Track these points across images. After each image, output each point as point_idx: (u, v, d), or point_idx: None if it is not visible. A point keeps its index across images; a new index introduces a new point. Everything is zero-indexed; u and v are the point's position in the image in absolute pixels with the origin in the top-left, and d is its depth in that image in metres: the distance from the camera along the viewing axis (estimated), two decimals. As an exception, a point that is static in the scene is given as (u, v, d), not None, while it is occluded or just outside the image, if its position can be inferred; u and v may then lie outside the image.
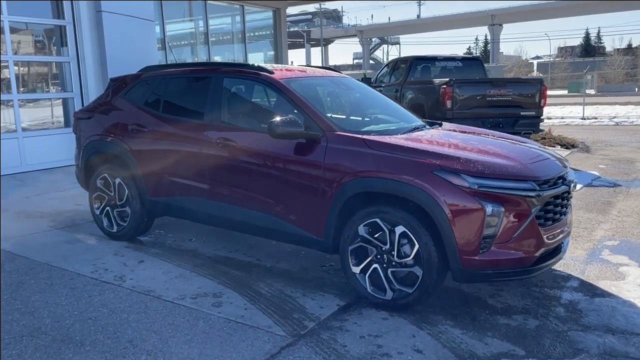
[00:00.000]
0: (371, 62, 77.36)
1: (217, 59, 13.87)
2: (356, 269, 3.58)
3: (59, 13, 9.05)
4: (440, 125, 4.56)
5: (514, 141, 4.13)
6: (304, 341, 3.11)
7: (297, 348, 3.03)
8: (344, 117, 4.53)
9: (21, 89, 9.06)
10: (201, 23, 13.33)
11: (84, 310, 3.53)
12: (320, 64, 46.12)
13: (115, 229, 5.02)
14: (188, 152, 4.44)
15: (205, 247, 4.85)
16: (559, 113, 21.02)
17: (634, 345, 3.09)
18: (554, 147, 10.76)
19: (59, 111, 9.75)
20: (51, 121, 9.80)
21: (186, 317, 3.43)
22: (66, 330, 3.25)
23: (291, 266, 4.35)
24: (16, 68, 8.88)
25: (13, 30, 8.66)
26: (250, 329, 3.25)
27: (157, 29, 11.33)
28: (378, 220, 3.46)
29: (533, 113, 9.42)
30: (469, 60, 11.75)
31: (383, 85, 11.42)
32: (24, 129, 8.60)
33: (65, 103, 9.56)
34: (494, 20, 63.27)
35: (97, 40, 9.18)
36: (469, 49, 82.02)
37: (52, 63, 9.82)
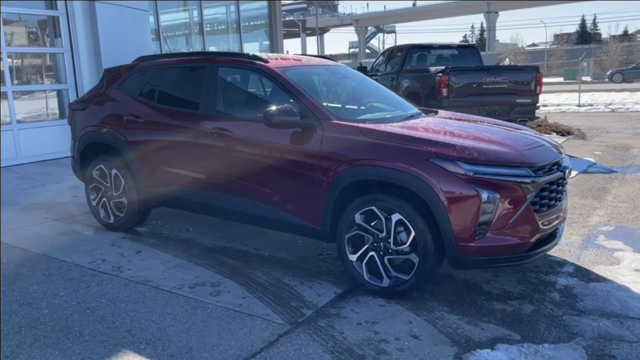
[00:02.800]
0: (367, 51, 77.08)
1: (212, 49, 13.79)
2: (353, 257, 3.60)
3: (51, 4, 8.98)
4: (436, 113, 4.57)
5: (509, 128, 4.14)
6: (301, 329, 3.13)
7: (295, 335, 3.05)
8: (339, 105, 4.53)
9: (15, 81, 9.01)
10: (195, 13, 13.25)
11: (82, 301, 3.54)
12: (316, 54, 45.89)
13: (112, 219, 5.02)
14: (184, 142, 4.43)
15: (203, 237, 4.86)
16: (555, 100, 21.01)
17: (629, 329, 3.12)
18: (550, 134, 10.78)
19: (53, 103, 9.72)
20: (46, 113, 9.76)
21: (184, 306, 3.44)
22: (65, 321, 3.26)
23: (288, 255, 4.36)
24: (10, 60, 8.82)
25: (6, 22, 8.60)
26: (248, 317, 3.28)
27: (151, 19, 11.25)
28: (374, 208, 3.47)
29: (529, 100, 9.42)
30: (464, 48, 11.71)
31: (379, 74, 11.39)
32: (18, 121, 8.57)
33: (59, 94, 9.52)
34: (490, 8, 63.11)
35: (90, 31, 9.13)
36: (465, 37, 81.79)
37: (46, 54, 9.77)
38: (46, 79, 10.04)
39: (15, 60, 9.41)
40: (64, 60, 9.17)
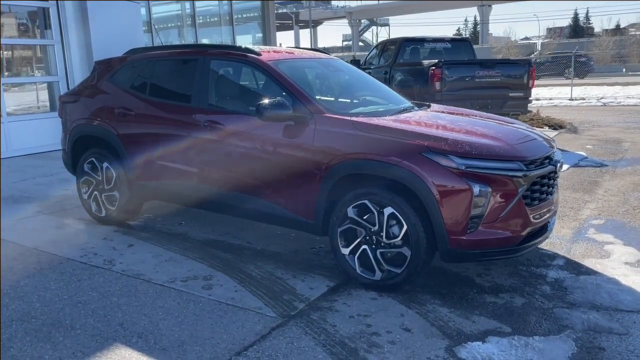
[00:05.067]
0: (360, 44, 76.86)
1: (204, 41, 13.70)
2: (345, 251, 3.60)
3: (41, -6, 8.89)
4: (429, 106, 4.57)
5: (501, 122, 4.15)
6: (294, 322, 3.14)
7: (288, 329, 3.06)
8: (332, 99, 4.52)
9: (5, 73, 8.92)
10: (188, 5, 13.13)
11: (74, 294, 3.53)
12: (309, 46, 45.73)
13: (103, 213, 5.00)
14: (175, 135, 4.41)
15: (195, 230, 4.85)
16: (548, 94, 21.08)
17: (618, 321, 3.15)
18: (542, 128, 10.81)
19: (44, 95, 9.64)
20: (37, 105, 9.69)
21: (176, 300, 3.44)
22: (56, 314, 3.25)
23: (281, 248, 4.36)
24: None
25: (-5, 13, 8.50)
26: (240, 310, 3.28)
27: (143, 11, 11.15)
28: (367, 202, 3.47)
29: (521, 94, 9.45)
30: (458, 42, 11.72)
31: (372, 67, 11.37)
32: (8, 114, 8.50)
33: (50, 87, 9.45)
34: (484, 1, 62.99)
35: (81, 23, 9.05)
36: (458, 30, 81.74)
37: (36, 46, 9.67)
38: (36, 71, 9.95)
39: (5, 52, 9.31)
40: (54, 52, 9.09)
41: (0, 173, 6.96)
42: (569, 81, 21.11)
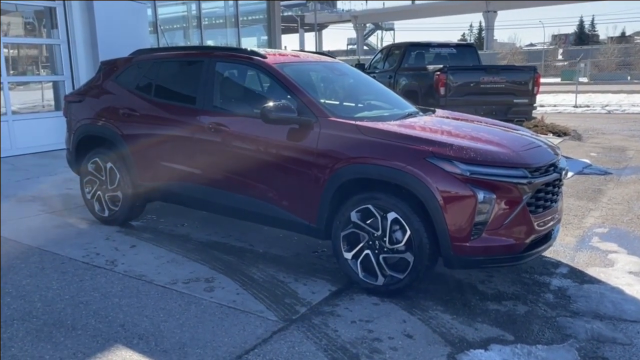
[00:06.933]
0: (365, 48, 76.95)
1: (209, 43, 13.72)
2: (348, 255, 3.59)
3: (48, -6, 8.91)
4: (434, 112, 4.56)
5: (506, 128, 4.13)
6: (295, 326, 3.13)
7: (289, 333, 3.05)
8: (337, 103, 4.52)
9: (11, 72, 8.95)
10: (193, 6, 13.16)
11: (76, 295, 3.52)
12: (314, 50, 45.71)
13: (106, 213, 5.00)
14: (180, 137, 4.41)
15: (198, 232, 4.85)
16: (552, 101, 21.05)
17: (622, 331, 3.13)
18: (546, 134, 10.80)
19: (49, 94, 9.66)
20: (42, 104, 9.71)
21: (178, 301, 3.43)
22: (57, 314, 3.24)
23: (283, 252, 4.35)
24: (6, 50, 8.75)
25: (2, 12, 8.52)
26: (242, 313, 3.27)
27: (149, 11, 11.18)
28: (370, 207, 3.46)
29: (526, 101, 9.43)
30: (463, 47, 11.71)
31: (377, 71, 11.37)
32: (14, 112, 8.52)
33: (55, 86, 9.47)
34: (489, 7, 63.08)
35: (87, 23, 9.07)
36: (463, 35, 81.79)
37: (42, 45, 9.70)
38: (42, 70, 9.98)
39: (11, 51, 9.35)
40: (60, 51, 9.11)
41: (0, 171, 6.97)
42: (573, 88, 21.07)
